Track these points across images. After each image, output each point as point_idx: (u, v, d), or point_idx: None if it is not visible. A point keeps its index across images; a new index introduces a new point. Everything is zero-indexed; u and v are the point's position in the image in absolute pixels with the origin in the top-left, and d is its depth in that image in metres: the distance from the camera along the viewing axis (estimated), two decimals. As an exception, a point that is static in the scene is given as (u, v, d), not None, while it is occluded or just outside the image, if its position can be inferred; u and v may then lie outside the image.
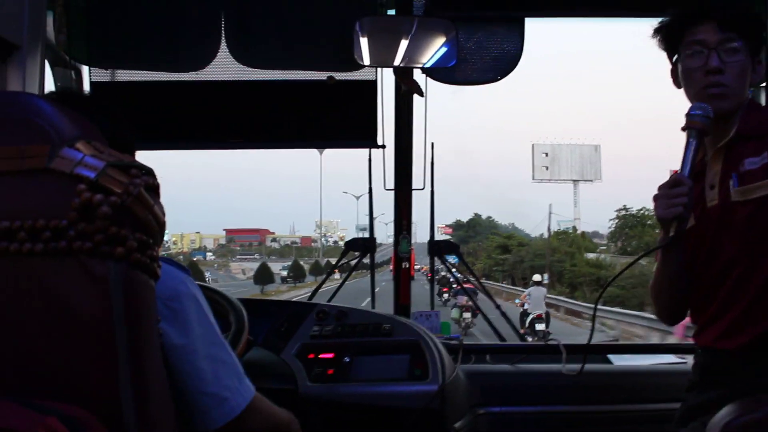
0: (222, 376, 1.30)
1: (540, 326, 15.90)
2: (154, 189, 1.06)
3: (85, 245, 0.97)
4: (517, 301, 18.01)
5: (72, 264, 0.97)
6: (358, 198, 65.19)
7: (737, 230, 1.62)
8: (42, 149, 1.00)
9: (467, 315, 16.71)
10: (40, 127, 1.02)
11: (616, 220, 45.74)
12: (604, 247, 48.17)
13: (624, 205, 46.00)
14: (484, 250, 57.92)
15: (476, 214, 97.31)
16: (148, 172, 1.06)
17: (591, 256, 41.05)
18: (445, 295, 22.14)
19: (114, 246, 0.98)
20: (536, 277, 19.52)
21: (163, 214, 1.08)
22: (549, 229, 43.71)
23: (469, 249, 62.72)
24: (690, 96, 1.71)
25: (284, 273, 54.46)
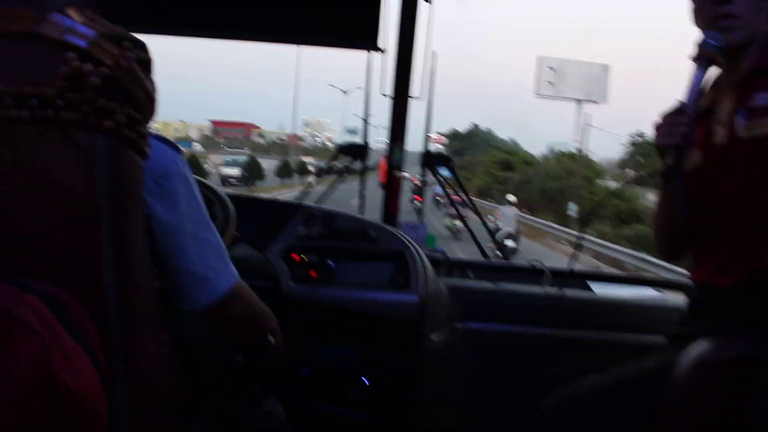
0: (207, 256, 1.29)
1: (509, 242, 16.36)
2: (146, 64, 1.02)
3: (72, 115, 0.93)
4: (489, 216, 18.18)
5: (58, 134, 0.94)
6: (345, 92, 62.28)
7: (739, 166, 1.57)
8: (30, 12, 0.95)
9: (458, 223, 17.07)
10: None
11: (631, 147, 44.40)
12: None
13: (638, 130, 43.61)
14: (481, 165, 55.25)
15: (474, 125, 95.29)
16: (141, 46, 1.01)
17: (613, 184, 36.68)
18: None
19: (102, 119, 0.95)
20: (510, 197, 19.82)
21: (155, 90, 1.04)
22: (579, 146, 38.44)
23: (464, 162, 60.55)
24: (700, 28, 1.63)
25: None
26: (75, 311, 0.92)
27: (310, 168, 45.90)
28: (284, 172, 47.08)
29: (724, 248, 1.60)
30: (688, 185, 1.67)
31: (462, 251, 11.55)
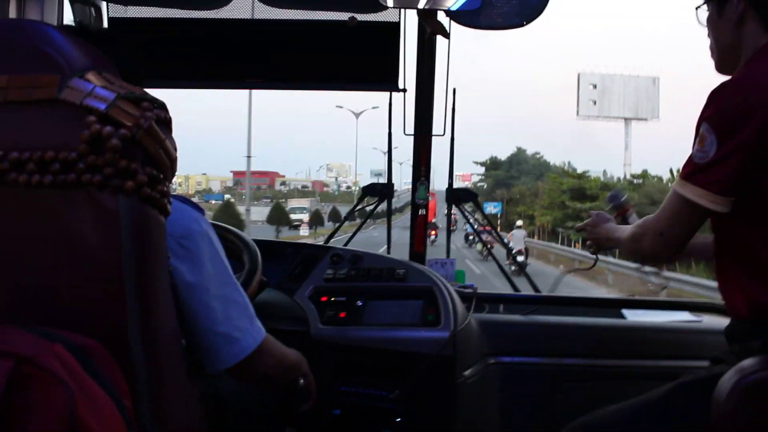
0: (233, 316, 1.30)
1: (520, 258, 20.07)
2: (165, 123, 1.04)
3: (94, 178, 0.96)
4: (504, 239, 20.24)
5: (81, 197, 0.97)
6: (357, 116, 61.06)
7: None
8: (52, 79, 0.99)
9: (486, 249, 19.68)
10: (50, 56, 1.00)
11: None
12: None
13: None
14: (536, 195, 47.81)
15: (519, 149, 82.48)
16: (160, 106, 1.04)
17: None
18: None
19: (124, 180, 0.97)
20: (519, 222, 26.66)
21: (175, 149, 1.06)
22: (630, 168, 36.51)
23: (513, 194, 52.73)
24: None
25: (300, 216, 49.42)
26: (101, 360, 0.94)
27: (298, 217, 46.22)
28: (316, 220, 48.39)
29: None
30: None
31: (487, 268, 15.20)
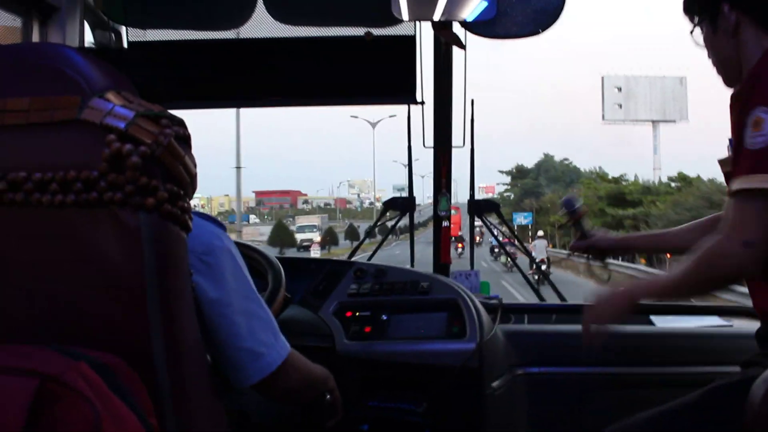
0: (257, 331, 1.30)
1: (543, 266, 20.01)
2: (185, 140, 1.05)
3: (115, 196, 0.97)
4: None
5: (103, 215, 0.97)
6: (374, 125, 59.76)
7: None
8: (73, 100, 1.00)
9: (509, 259, 21.46)
10: (70, 77, 1.01)
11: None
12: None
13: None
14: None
15: (546, 155, 79.15)
16: (179, 123, 1.05)
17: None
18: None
19: (145, 197, 0.98)
20: (540, 233, 28.75)
21: (195, 165, 1.07)
22: (660, 172, 34.45)
23: (543, 203, 49.79)
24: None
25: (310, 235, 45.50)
26: (125, 377, 0.94)
27: (307, 236, 43.08)
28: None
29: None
30: None
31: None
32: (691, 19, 1.66)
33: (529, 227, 44.07)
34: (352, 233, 47.87)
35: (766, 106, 1.36)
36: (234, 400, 1.49)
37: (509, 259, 23.95)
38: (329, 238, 44.02)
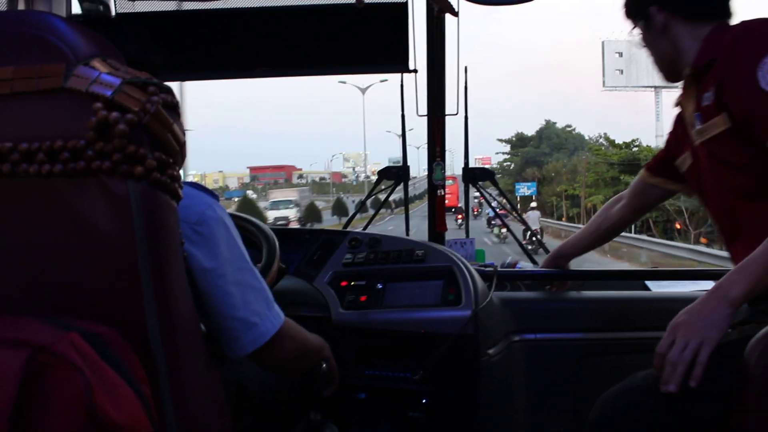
0: (251, 301, 1.30)
1: (536, 237, 21.79)
2: (173, 107, 1.03)
3: (103, 165, 0.95)
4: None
5: (92, 184, 0.96)
6: (363, 91, 58.09)
7: (707, 170, 1.64)
8: (57, 68, 0.98)
9: (504, 230, 22.97)
10: (54, 45, 1.00)
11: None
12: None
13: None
14: (574, 172, 42.18)
15: (548, 122, 73.17)
16: (167, 90, 1.03)
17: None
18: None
19: (133, 165, 0.96)
20: (533, 204, 30.85)
21: (184, 132, 1.05)
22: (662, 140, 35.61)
23: (547, 172, 47.58)
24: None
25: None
26: (118, 347, 0.94)
27: (282, 214, 38.82)
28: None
29: (734, 246, 1.63)
30: (690, 186, 1.81)
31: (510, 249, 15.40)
32: (633, 23, 1.76)
33: (533, 198, 42.68)
34: (339, 208, 45.20)
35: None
36: (231, 370, 1.49)
37: (502, 231, 24.57)
38: (310, 215, 39.83)
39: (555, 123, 72.66)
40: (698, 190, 1.77)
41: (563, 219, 39.61)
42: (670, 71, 1.77)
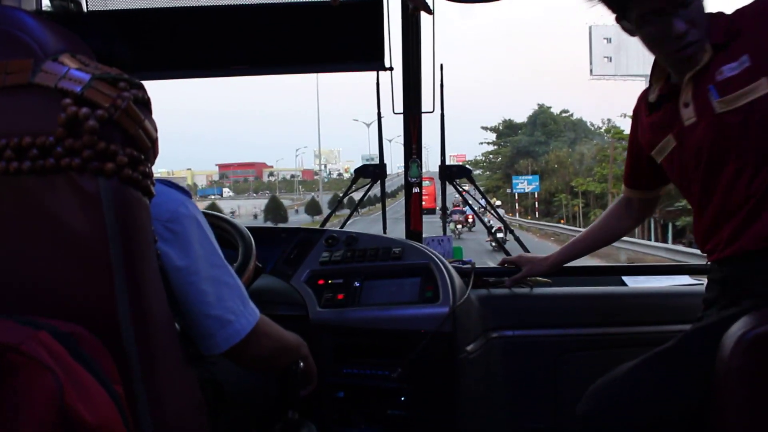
0: (225, 298, 1.29)
1: (500, 234, 22.05)
2: (144, 103, 1.02)
3: (73, 161, 0.94)
4: (484, 218, 21.66)
5: (62, 181, 0.94)
6: (368, 125, 55.47)
7: (731, 141, 1.60)
8: (25, 64, 0.96)
9: (459, 226, 26.24)
10: (21, 40, 0.98)
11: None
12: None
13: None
14: (582, 164, 38.90)
15: (541, 106, 65.71)
16: (138, 86, 1.01)
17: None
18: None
19: (103, 162, 0.95)
20: (497, 202, 29.03)
21: (155, 129, 1.04)
22: None
23: (549, 163, 43.04)
24: (660, 58, 1.73)
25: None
26: (90, 346, 0.92)
27: None
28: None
29: (737, 220, 1.61)
30: (670, 171, 1.77)
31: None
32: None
33: (535, 195, 39.84)
34: (313, 208, 43.86)
35: None
36: (207, 369, 1.48)
37: (458, 227, 25.29)
38: (273, 216, 36.79)
39: (550, 107, 65.66)
40: (680, 174, 1.75)
41: (579, 225, 34.14)
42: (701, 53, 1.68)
